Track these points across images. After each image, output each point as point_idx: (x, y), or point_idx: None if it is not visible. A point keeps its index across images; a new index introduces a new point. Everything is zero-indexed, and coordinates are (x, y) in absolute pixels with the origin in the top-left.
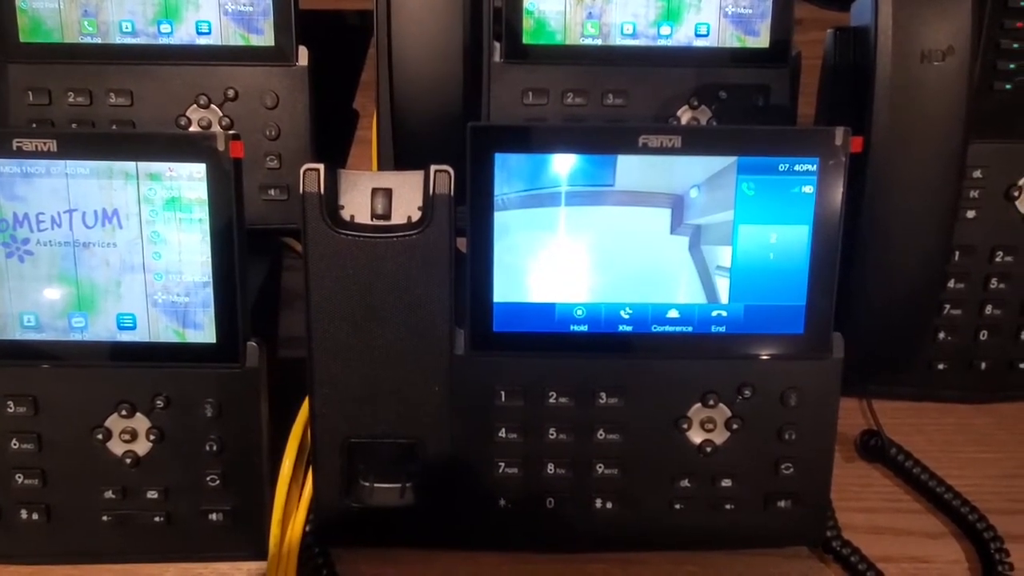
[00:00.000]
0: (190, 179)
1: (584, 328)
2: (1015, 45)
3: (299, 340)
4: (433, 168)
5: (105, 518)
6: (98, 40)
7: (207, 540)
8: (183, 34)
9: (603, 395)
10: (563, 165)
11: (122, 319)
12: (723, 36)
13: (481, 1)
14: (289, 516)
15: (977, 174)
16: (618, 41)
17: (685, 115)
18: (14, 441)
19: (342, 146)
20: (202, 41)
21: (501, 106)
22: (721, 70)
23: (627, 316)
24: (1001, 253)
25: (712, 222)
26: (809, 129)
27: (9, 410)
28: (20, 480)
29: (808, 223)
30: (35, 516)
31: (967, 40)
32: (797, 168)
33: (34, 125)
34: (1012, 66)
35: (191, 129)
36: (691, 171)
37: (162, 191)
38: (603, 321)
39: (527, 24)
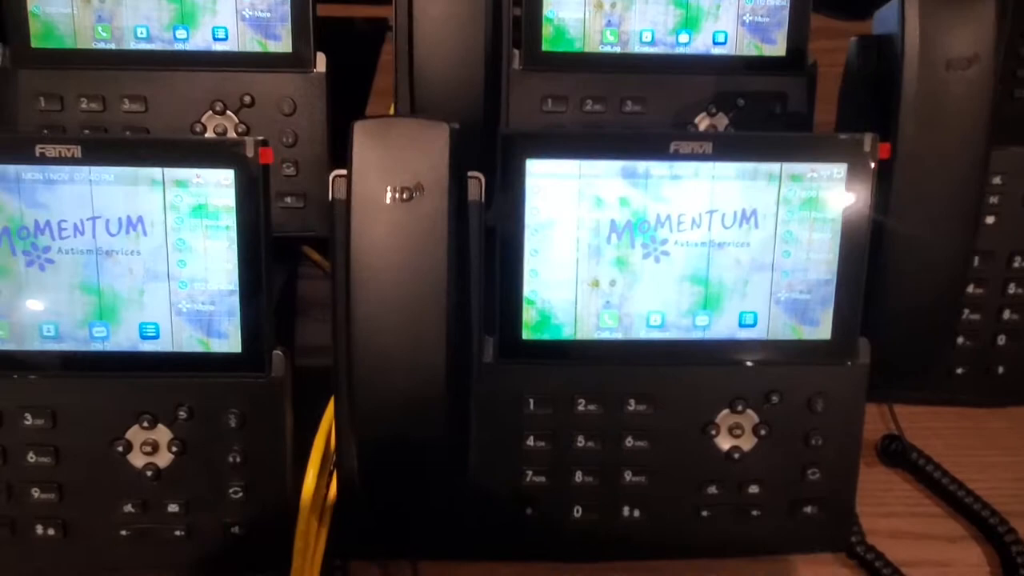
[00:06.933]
0: (218, 186)
1: (613, 336)
2: None
3: (315, 349)
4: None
5: (123, 532)
6: (112, 46)
7: (229, 554)
8: (199, 40)
9: (632, 402)
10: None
11: (145, 328)
12: (741, 44)
13: (501, 9)
14: (311, 528)
15: (997, 180)
16: (637, 49)
17: (703, 122)
18: (31, 455)
19: None
20: (218, 47)
21: (520, 113)
22: (739, 78)
23: (656, 323)
24: (1019, 258)
25: (740, 228)
26: (838, 136)
27: (26, 422)
28: (36, 495)
29: (836, 229)
30: (51, 531)
31: (991, 48)
32: (826, 174)
33: (45, 131)
34: None
35: (207, 136)
36: (722, 177)
37: (189, 198)
38: (632, 328)
39: (546, 32)
